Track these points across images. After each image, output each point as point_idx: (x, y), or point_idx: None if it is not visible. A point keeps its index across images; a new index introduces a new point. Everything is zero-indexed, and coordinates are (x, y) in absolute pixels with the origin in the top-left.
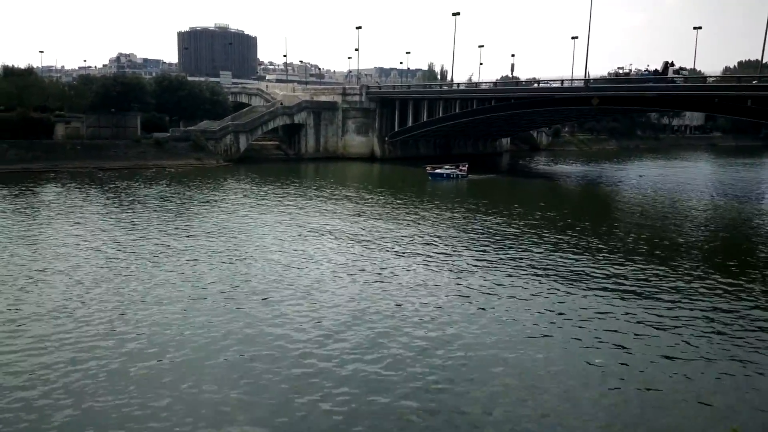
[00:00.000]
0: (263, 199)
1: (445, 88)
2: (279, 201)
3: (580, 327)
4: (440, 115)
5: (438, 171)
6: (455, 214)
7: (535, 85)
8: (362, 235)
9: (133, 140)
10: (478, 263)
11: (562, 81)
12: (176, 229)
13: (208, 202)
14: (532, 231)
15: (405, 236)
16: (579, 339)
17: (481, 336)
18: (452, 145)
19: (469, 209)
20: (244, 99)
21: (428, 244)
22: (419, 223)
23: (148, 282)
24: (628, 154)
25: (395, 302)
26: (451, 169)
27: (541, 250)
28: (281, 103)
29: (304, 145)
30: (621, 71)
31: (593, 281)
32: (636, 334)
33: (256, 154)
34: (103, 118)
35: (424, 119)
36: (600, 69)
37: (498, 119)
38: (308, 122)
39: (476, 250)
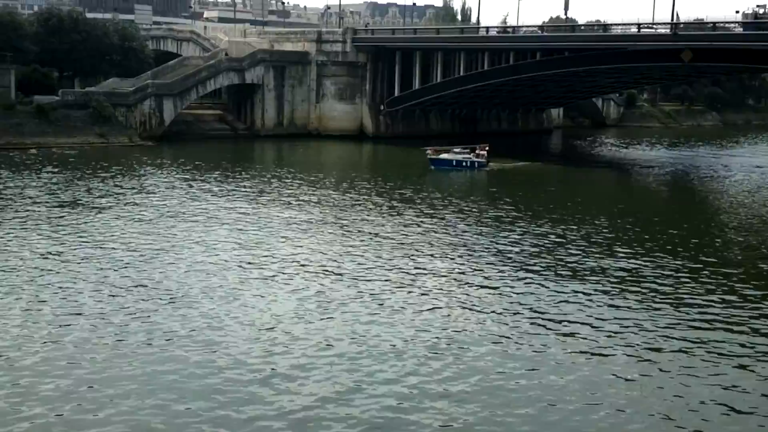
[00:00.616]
0: (194, 206)
1: (469, 34)
2: (219, 208)
3: None
4: (461, 73)
5: (444, 157)
6: (462, 233)
7: (600, 31)
8: (345, 270)
9: (4, 106)
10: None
11: (639, 26)
12: (59, 248)
13: (109, 205)
14: (590, 268)
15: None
16: None
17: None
18: (478, 117)
19: (482, 223)
20: (170, 47)
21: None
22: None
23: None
24: (734, 132)
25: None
26: (463, 153)
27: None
28: (226, 54)
29: (261, 117)
30: (762, 10)
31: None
32: None
33: (188, 128)
34: None
35: (437, 79)
36: (694, 9)
37: (545, 81)
38: (267, 82)
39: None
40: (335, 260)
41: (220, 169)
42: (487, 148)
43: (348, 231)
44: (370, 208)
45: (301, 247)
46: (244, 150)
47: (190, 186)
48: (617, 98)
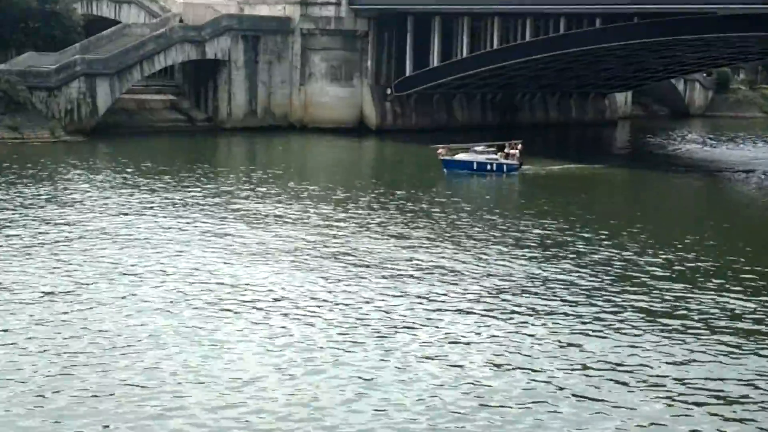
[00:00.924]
0: (136, 224)
1: None
2: (169, 228)
3: None
4: (494, 46)
5: (461, 158)
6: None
7: None
8: (334, 309)
9: None
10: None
11: None
12: None
13: (21, 223)
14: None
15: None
16: None
17: None
18: (518, 105)
19: (511, 252)
20: (106, 11)
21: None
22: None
23: None
24: None
25: None
26: (488, 153)
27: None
28: (181, 20)
29: (226, 103)
30: None
31: None
32: None
33: (130, 119)
34: None
35: (463, 54)
36: None
37: (607, 56)
38: (234, 58)
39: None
40: (319, 297)
41: (171, 174)
42: (519, 147)
43: (338, 259)
44: (367, 230)
45: (276, 280)
46: (204, 148)
47: (131, 196)
48: (704, 80)
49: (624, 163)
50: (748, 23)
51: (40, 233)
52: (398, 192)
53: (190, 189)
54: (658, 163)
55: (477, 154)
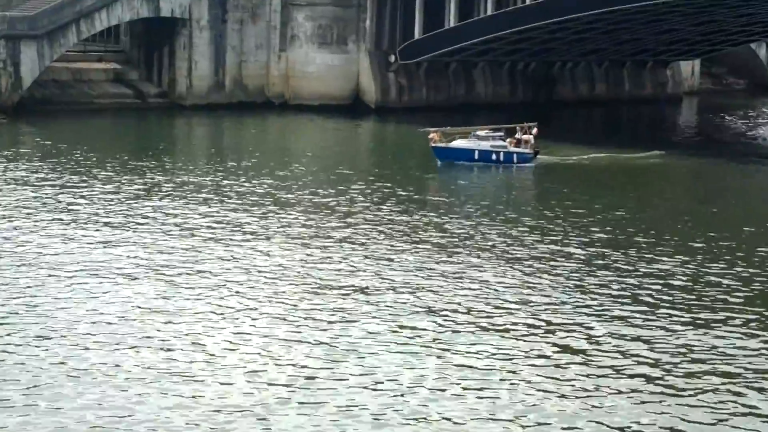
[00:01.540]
0: (63, 234)
1: None
2: (104, 239)
3: None
4: (525, 1)
5: (459, 145)
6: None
7: None
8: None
9: None
10: None
11: None
12: None
13: None
14: None
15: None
16: None
17: None
18: (557, 76)
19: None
20: None
21: None
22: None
23: None
24: None
25: None
26: (493, 138)
27: None
28: None
29: (186, 75)
30: None
31: None
32: None
33: (62, 94)
34: None
35: (486, 12)
36: None
37: (669, 13)
38: (196, 16)
39: None
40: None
41: (111, 165)
42: (534, 131)
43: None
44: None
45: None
46: (157, 132)
47: (58, 195)
48: None
49: (685, 152)
50: None
51: None
52: (392, 199)
53: (133, 186)
54: (731, 152)
55: (480, 140)
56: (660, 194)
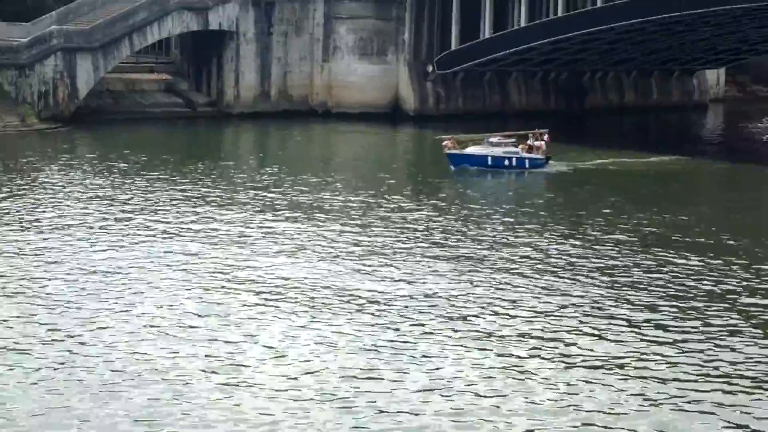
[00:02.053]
0: (120, 232)
1: None
2: (158, 243)
3: None
4: (558, 13)
5: (472, 151)
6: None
7: None
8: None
9: None
10: None
11: None
12: None
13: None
14: None
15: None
16: None
17: None
18: (587, 86)
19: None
20: None
21: None
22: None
23: None
24: None
25: None
26: (505, 145)
27: None
28: None
29: (234, 85)
30: None
31: None
32: None
33: (116, 103)
34: None
35: (520, 23)
36: None
37: (695, 24)
38: (243, 29)
39: None
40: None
41: (164, 172)
42: (546, 137)
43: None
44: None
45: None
46: (206, 139)
47: (114, 199)
48: None
49: (710, 158)
50: None
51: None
52: (422, 203)
53: (186, 190)
54: (755, 158)
55: (493, 146)
56: (681, 198)
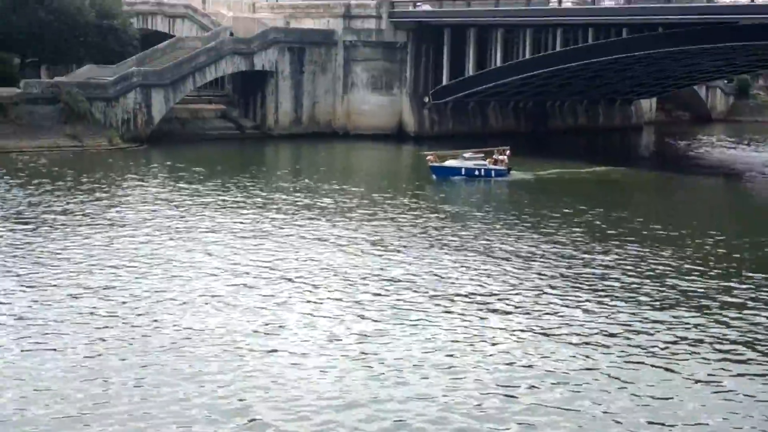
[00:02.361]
0: (191, 226)
1: (537, 6)
2: (221, 230)
3: None
4: (526, 56)
5: (450, 164)
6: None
7: (703, 1)
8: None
9: None
10: None
11: None
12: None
13: (85, 224)
14: None
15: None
16: None
17: None
18: (549, 111)
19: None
20: (161, 25)
21: None
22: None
23: None
24: None
25: None
26: (476, 159)
27: None
28: (231, 33)
29: (274, 112)
30: None
31: None
32: None
33: (182, 127)
34: None
35: (497, 64)
36: None
37: (633, 65)
38: (281, 69)
39: None
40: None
41: (221, 178)
42: (508, 152)
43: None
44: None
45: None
46: (253, 154)
47: (183, 201)
48: (725, 86)
49: (643, 167)
50: (766, 32)
51: (101, 237)
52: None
53: (235, 194)
54: (679, 166)
55: (465, 160)
56: (620, 199)
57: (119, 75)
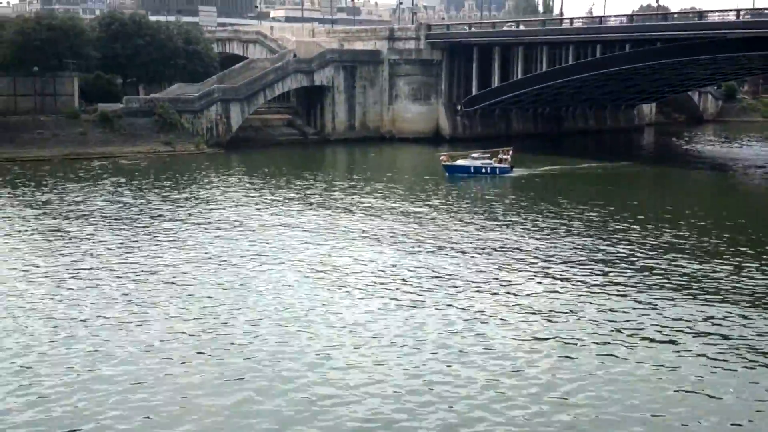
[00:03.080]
0: (271, 217)
1: (552, 26)
2: (295, 221)
3: None
4: (543, 69)
5: (460, 163)
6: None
7: (695, 19)
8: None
9: (68, 115)
10: None
11: (738, 12)
12: (138, 261)
13: (184, 217)
14: None
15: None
16: None
17: None
18: (563, 116)
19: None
20: (236, 49)
21: None
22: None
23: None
24: None
25: None
26: (483, 158)
27: None
28: (294, 55)
29: (331, 120)
30: None
31: None
32: None
33: (255, 134)
34: (21, 81)
35: (518, 76)
36: None
37: (635, 74)
38: (336, 84)
39: None
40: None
41: (288, 176)
42: (510, 152)
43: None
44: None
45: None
46: (315, 156)
47: (259, 193)
48: (715, 91)
49: (645, 163)
50: (751, 45)
51: (198, 228)
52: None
53: (300, 189)
54: (676, 162)
55: (474, 160)
56: (622, 191)
57: (203, 91)
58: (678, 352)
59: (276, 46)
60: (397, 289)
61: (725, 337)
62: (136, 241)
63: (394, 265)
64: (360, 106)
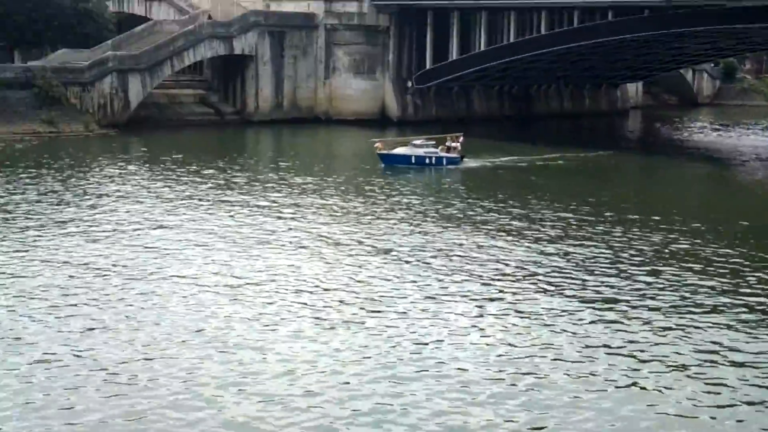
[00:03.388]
0: (170, 214)
1: None
2: (199, 219)
3: None
4: (510, 39)
5: (399, 152)
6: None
7: None
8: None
9: None
10: None
11: None
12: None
13: (65, 218)
14: None
15: None
16: None
17: None
18: (533, 95)
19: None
20: (137, 8)
21: None
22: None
23: None
24: None
25: None
26: (427, 146)
27: None
28: (209, 17)
29: (254, 97)
30: None
31: None
32: None
33: (160, 113)
34: None
35: (481, 47)
36: None
37: (619, 48)
38: (261, 53)
39: None
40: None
41: (200, 165)
42: (461, 139)
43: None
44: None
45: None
46: (233, 140)
47: (161, 187)
48: (711, 70)
49: (628, 152)
50: (754, 14)
51: (78, 228)
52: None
53: (215, 180)
54: (664, 151)
55: (416, 147)
56: (601, 187)
57: (95, 59)
58: (659, 372)
59: (186, 6)
60: (326, 306)
61: (717, 353)
62: None
63: (318, 276)
64: (290, 81)
